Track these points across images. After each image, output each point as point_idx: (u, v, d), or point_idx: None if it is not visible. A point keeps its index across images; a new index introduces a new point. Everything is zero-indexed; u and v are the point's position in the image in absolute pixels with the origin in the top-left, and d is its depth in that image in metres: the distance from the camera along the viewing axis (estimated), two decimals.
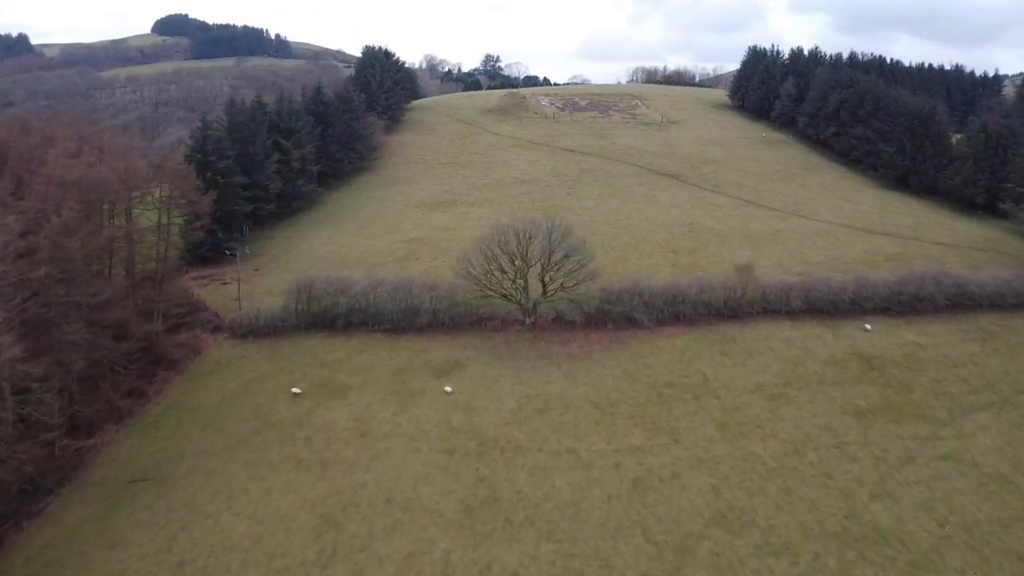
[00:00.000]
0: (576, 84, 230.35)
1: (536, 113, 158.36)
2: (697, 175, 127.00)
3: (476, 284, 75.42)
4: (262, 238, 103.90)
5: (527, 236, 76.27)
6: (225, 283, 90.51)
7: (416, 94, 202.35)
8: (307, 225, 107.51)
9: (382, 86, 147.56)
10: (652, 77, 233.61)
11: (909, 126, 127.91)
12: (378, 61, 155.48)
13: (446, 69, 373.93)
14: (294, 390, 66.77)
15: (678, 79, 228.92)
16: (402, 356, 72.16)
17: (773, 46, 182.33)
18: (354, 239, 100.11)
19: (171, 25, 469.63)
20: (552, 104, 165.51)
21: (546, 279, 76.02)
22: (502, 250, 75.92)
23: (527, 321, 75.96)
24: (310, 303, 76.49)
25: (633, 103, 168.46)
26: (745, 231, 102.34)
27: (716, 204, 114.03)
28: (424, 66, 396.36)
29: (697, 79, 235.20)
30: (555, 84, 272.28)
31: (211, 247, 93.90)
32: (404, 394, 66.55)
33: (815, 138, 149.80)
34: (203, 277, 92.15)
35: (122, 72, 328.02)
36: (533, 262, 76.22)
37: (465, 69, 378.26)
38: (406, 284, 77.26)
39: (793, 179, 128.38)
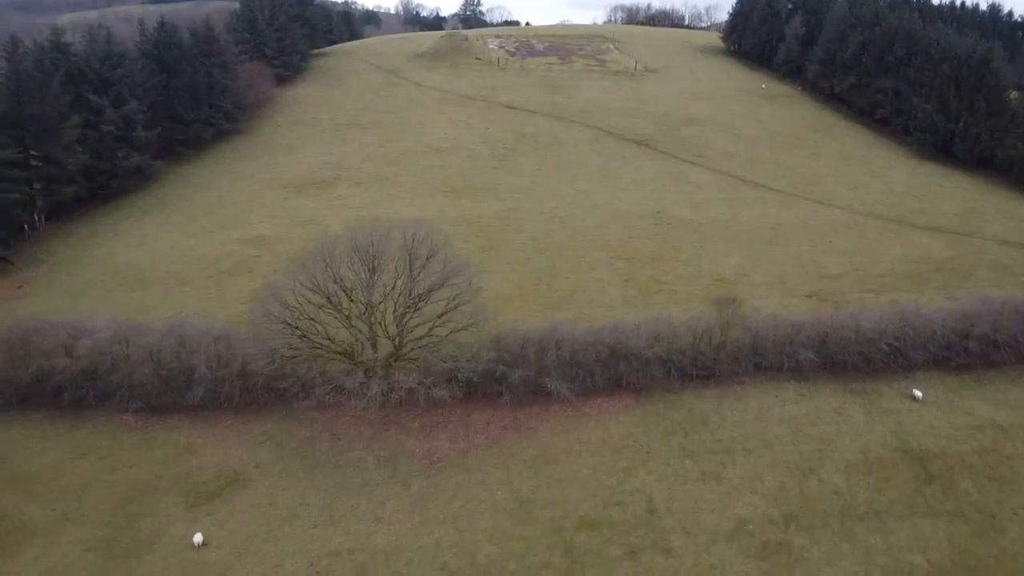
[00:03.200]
0: (544, 26, 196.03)
1: (479, 59, 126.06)
2: (674, 140, 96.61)
3: (290, 333, 46.39)
4: (59, 234, 74.10)
5: (373, 254, 47.05)
6: None
7: (353, 35, 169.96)
8: (128, 214, 77.47)
9: (272, 24, 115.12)
10: (633, 17, 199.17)
11: (954, 76, 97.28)
12: None
13: (414, 13, 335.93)
14: None
15: (663, 19, 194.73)
16: (148, 463, 43.41)
17: None
18: (175, 237, 70.50)
19: None
20: (502, 47, 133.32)
21: (401, 325, 47.01)
22: (333, 277, 46.80)
23: (371, 394, 46.67)
24: (25, 366, 47.36)
25: (604, 47, 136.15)
26: (733, 225, 72.87)
27: (696, 183, 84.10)
28: (400, 11, 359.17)
29: (687, 21, 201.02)
30: (522, 25, 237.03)
31: None
32: (120, 549, 37.95)
33: (829, 91, 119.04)
34: None
35: (62, 18, 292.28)
36: (383, 296, 47.26)
37: (444, 14, 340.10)
38: (176, 331, 47.99)
39: (801, 146, 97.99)
